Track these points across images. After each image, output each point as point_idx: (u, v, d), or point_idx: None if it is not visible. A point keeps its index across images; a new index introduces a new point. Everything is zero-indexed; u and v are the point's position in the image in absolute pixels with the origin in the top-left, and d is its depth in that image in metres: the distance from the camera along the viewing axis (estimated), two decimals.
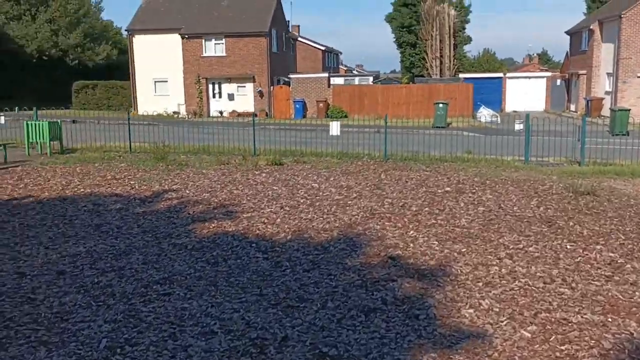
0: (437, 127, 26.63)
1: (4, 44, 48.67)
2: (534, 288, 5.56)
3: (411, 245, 6.98)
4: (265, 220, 8.18)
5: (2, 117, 17.58)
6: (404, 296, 5.29)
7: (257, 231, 7.60)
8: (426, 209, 8.99)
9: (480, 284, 5.68)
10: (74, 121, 28.55)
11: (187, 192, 10.41)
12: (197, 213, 8.69)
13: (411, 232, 7.60)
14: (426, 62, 43.75)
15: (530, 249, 6.87)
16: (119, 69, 58.37)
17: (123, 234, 7.44)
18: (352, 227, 7.80)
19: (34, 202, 9.42)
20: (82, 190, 10.55)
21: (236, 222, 8.07)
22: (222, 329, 4.60)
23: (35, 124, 15.89)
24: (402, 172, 12.83)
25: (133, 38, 39.30)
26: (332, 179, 11.85)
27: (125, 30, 41.13)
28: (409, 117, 30.26)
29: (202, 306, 5.06)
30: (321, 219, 8.31)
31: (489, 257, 6.55)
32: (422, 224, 8.00)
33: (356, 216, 8.47)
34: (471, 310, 5.00)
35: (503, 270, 6.09)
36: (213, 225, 7.94)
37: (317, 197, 9.87)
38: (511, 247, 6.94)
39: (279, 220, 8.23)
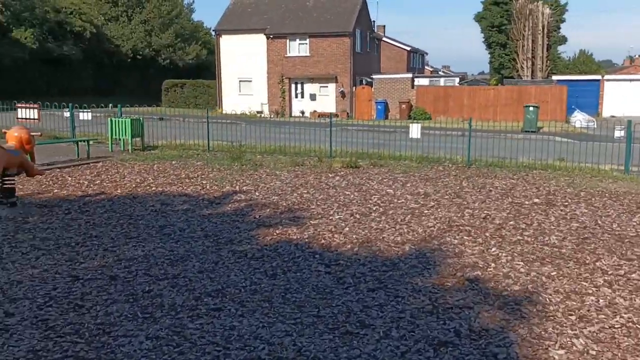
0: (526, 131, 25.14)
1: (103, 43, 51.15)
2: (639, 326, 4.70)
3: (492, 265, 6.23)
4: (333, 229, 7.65)
5: (89, 114, 18.13)
6: (481, 328, 4.60)
7: (323, 240, 7.09)
8: (511, 222, 8.14)
9: (573, 317, 4.87)
10: (160, 118, 29.25)
11: (257, 194, 10.08)
12: (263, 217, 8.30)
13: (493, 249, 6.83)
14: (516, 63, 41.71)
15: (634, 275, 5.94)
16: (208, 68, 60.11)
17: (184, 238, 7.15)
18: (426, 241, 7.12)
19: (105, 199, 9.40)
20: (153, 188, 10.47)
21: (302, 229, 7.60)
22: (271, 356, 4.11)
23: (118, 121, 16.21)
24: (486, 179, 11.93)
25: (220, 38, 40.01)
26: (408, 184, 11.16)
27: (213, 30, 41.99)
28: (496, 120, 28.84)
29: (252, 326, 4.60)
30: (393, 229, 7.68)
31: (584, 283, 5.69)
32: (506, 240, 7.20)
33: (432, 228, 7.78)
34: (562, 352, 4.24)
35: (601, 301, 5.24)
36: (277, 231, 7.50)
37: (391, 205, 9.23)
38: (610, 272, 6.03)
39: (347, 229, 7.68)
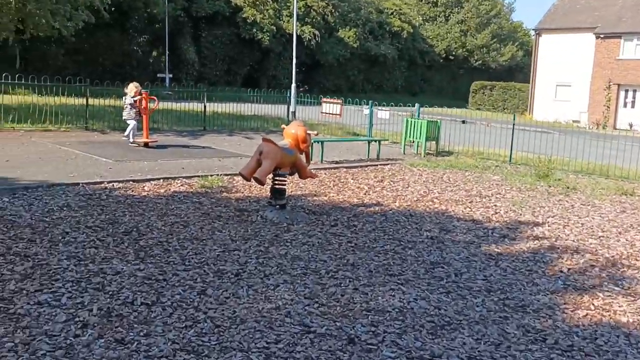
0: None
1: (417, 43, 51.89)
2: None
3: None
4: None
5: (387, 112, 17.48)
6: None
7: None
8: None
9: None
10: (463, 121, 27.78)
11: (566, 232, 7.65)
12: (572, 271, 5.97)
13: None
14: None
15: None
16: (521, 71, 56.50)
17: (459, 287, 5.33)
18: None
19: (378, 213, 8.12)
20: (436, 205, 8.85)
21: (635, 305, 5.08)
22: None
23: (414, 122, 15.10)
24: None
25: (540, 38, 36.57)
26: None
27: (533, 29, 38.67)
28: None
29: None
30: None
31: None
32: None
33: None
34: None
35: None
36: (596, 301, 5.14)
37: None
38: None
39: None
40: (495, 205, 9.08)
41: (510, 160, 14.45)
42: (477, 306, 4.91)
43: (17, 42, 24.92)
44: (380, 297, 4.96)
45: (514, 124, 15.00)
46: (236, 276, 5.25)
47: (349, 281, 5.31)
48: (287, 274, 5.39)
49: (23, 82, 15.40)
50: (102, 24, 26.65)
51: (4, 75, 14.18)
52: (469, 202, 9.22)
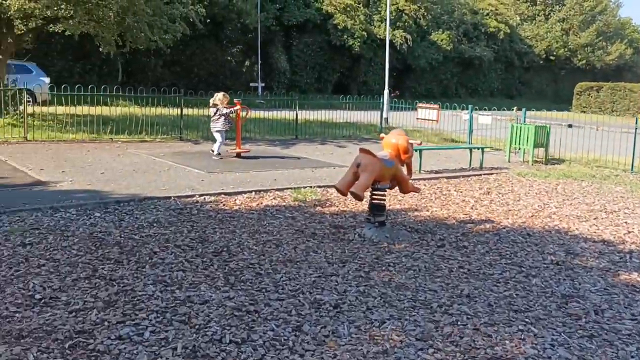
0: None
1: (515, 44, 49.55)
2: None
3: None
4: None
5: (489, 117, 16.32)
6: None
7: None
8: None
9: None
10: (569, 125, 25.84)
11: None
12: None
13: None
14: None
15: None
16: (630, 70, 52.60)
17: (604, 330, 4.41)
18: None
19: (490, 231, 7.22)
20: (555, 222, 7.82)
21: None
22: None
23: (520, 127, 13.93)
24: None
25: None
26: None
27: None
28: None
29: None
30: None
31: None
32: None
33: None
34: None
35: None
36: None
37: None
38: None
39: None
40: (625, 223, 7.91)
41: (632, 169, 12.95)
42: (632, 357, 3.98)
43: (119, 55, 25.86)
44: (507, 341, 4.15)
45: (636, 128, 13.43)
46: (335, 308, 4.61)
47: (467, 318, 4.53)
48: (393, 307, 4.69)
49: (121, 93, 15.71)
50: (198, 35, 27.18)
51: (102, 87, 14.48)
52: (594, 219, 8.10)
